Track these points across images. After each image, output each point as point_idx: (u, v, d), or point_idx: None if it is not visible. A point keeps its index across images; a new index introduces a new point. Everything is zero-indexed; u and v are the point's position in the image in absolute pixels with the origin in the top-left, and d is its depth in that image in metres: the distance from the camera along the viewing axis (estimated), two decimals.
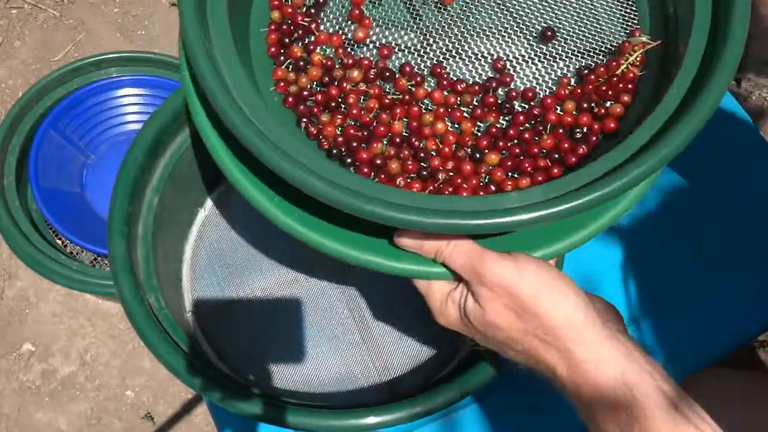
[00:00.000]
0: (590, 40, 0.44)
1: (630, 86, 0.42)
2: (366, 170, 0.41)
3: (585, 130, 0.41)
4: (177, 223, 0.59)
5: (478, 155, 0.41)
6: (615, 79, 0.42)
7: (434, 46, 0.44)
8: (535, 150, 0.41)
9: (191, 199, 0.61)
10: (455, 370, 0.53)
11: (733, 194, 0.70)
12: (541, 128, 0.42)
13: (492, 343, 0.39)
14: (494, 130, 0.42)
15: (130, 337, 1.16)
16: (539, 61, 0.44)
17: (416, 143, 0.41)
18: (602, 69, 0.42)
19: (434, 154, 0.42)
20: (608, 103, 0.42)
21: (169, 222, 0.56)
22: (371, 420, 0.46)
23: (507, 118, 0.43)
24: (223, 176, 0.65)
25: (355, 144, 0.41)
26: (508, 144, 0.41)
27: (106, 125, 1.06)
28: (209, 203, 0.63)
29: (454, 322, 0.40)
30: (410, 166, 0.41)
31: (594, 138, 0.41)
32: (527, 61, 0.44)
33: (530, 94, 0.43)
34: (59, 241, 1.00)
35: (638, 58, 0.42)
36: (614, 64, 0.42)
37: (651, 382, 0.34)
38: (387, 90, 0.43)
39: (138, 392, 1.13)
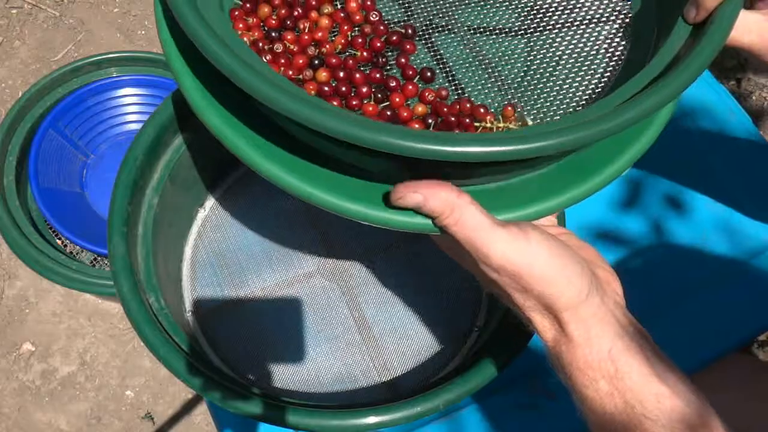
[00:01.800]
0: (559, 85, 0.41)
1: None
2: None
3: None
4: (177, 222, 0.59)
5: (316, 62, 0.41)
6: (468, 122, 0.39)
7: None
8: (343, 88, 0.40)
9: (191, 199, 0.61)
10: (455, 370, 0.53)
11: (733, 194, 0.70)
12: (378, 95, 0.40)
13: (495, 294, 0.39)
14: (350, 62, 0.41)
15: (130, 337, 1.16)
16: (466, 61, 0.42)
17: (296, 11, 0.42)
18: (468, 106, 0.40)
19: (296, 32, 0.42)
20: None
21: (169, 222, 0.56)
22: (371, 420, 0.46)
23: (367, 67, 0.42)
24: (223, 176, 0.65)
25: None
26: (342, 75, 0.40)
27: (106, 125, 1.06)
28: (209, 203, 0.63)
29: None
30: (273, 21, 0.42)
31: None
32: (460, 58, 0.43)
33: (429, 74, 0.41)
34: (59, 241, 1.00)
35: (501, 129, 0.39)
36: (482, 111, 0.40)
37: (638, 357, 0.35)
38: None
39: (138, 392, 1.13)
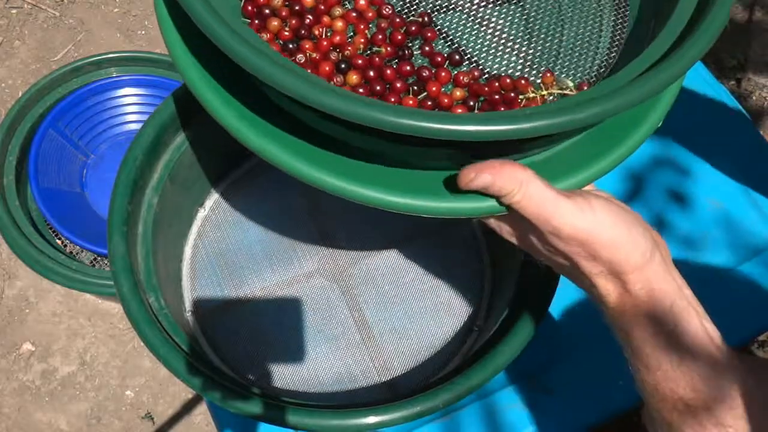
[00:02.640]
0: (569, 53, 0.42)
1: None
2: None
3: None
4: (177, 222, 0.59)
5: (343, 66, 0.40)
6: (513, 96, 0.39)
7: None
8: (377, 87, 0.40)
9: (191, 199, 0.61)
10: (455, 370, 0.53)
11: (733, 194, 0.70)
12: (414, 88, 0.40)
13: (553, 266, 0.40)
14: (377, 59, 0.41)
15: (130, 337, 1.16)
16: (488, 42, 0.42)
17: (307, 19, 0.41)
18: (509, 82, 0.40)
19: (312, 40, 0.41)
20: None
21: (169, 221, 0.56)
22: (371, 420, 0.46)
23: (395, 61, 0.42)
24: (224, 176, 0.65)
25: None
26: (373, 74, 0.40)
27: (106, 125, 1.06)
28: (209, 203, 0.63)
29: (518, 245, 0.40)
30: (285, 33, 0.41)
31: None
32: (480, 39, 0.43)
33: (457, 57, 0.42)
34: (59, 241, 1.00)
35: (553, 101, 0.40)
36: (523, 82, 0.40)
37: (696, 317, 0.37)
38: None
39: (138, 392, 1.13)
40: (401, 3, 0.45)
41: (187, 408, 1.12)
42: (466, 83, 0.40)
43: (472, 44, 0.43)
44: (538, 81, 0.41)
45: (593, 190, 0.42)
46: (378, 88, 0.39)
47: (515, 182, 0.34)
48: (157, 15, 0.39)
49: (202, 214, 0.62)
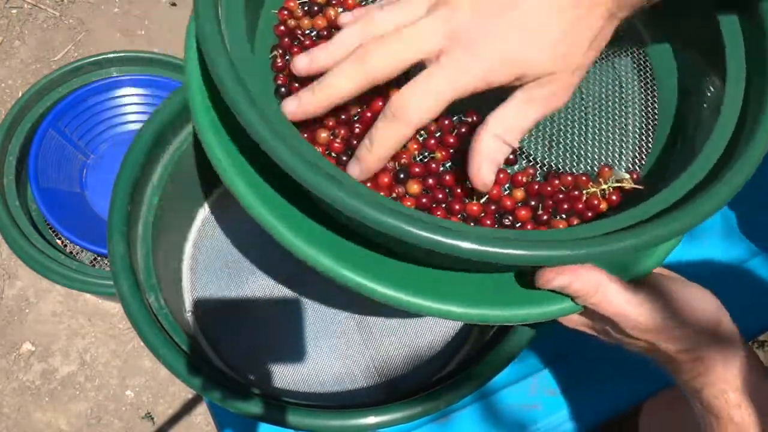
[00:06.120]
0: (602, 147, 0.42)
1: (588, 213, 0.38)
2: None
3: (516, 222, 0.38)
4: (177, 222, 0.59)
5: (402, 176, 0.38)
6: (576, 194, 0.39)
7: None
8: (440, 195, 0.38)
9: (191, 199, 0.61)
10: (455, 371, 0.53)
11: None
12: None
13: (624, 347, 0.41)
14: (433, 165, 0.39)
15: (130, 337, 1.16)
16: (536, 141, 0.42)
17: (356, 128, 0.39)
18: (570, 179, 0.39)
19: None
20: (557, 216, 0.39)
21: (169, 221, 0.56)
22: (371, 420, 0.46)
23: (449, 164, 0.40)
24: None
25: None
26: (432, 182, 0.39)
27: (106, 125, 1.06)
28: (210, 202, 0.63)
29: (590, 333, 0.42)
30: (336, 144, 0.39)
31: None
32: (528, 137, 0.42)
33: (512, 156, 0.40)
34: (59, 241, 1.00)
35: (611, 193, 0.39)
36: (584, 179, 0.39)
37: (760, 369, 0.39)
38: None
39: (138, 392, 1.13)
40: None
41: (187, 408, 1.12)
42: (524, 183, 0.39)
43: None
44: (594, 170, 0.41)
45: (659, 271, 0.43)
46: (440, 196, 0.38)
47: (592, 285, 0.35)
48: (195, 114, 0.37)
49: (202, 214, 0.62)
